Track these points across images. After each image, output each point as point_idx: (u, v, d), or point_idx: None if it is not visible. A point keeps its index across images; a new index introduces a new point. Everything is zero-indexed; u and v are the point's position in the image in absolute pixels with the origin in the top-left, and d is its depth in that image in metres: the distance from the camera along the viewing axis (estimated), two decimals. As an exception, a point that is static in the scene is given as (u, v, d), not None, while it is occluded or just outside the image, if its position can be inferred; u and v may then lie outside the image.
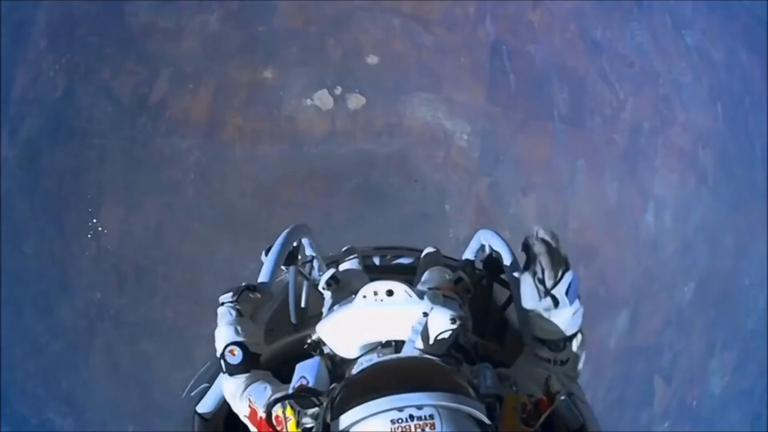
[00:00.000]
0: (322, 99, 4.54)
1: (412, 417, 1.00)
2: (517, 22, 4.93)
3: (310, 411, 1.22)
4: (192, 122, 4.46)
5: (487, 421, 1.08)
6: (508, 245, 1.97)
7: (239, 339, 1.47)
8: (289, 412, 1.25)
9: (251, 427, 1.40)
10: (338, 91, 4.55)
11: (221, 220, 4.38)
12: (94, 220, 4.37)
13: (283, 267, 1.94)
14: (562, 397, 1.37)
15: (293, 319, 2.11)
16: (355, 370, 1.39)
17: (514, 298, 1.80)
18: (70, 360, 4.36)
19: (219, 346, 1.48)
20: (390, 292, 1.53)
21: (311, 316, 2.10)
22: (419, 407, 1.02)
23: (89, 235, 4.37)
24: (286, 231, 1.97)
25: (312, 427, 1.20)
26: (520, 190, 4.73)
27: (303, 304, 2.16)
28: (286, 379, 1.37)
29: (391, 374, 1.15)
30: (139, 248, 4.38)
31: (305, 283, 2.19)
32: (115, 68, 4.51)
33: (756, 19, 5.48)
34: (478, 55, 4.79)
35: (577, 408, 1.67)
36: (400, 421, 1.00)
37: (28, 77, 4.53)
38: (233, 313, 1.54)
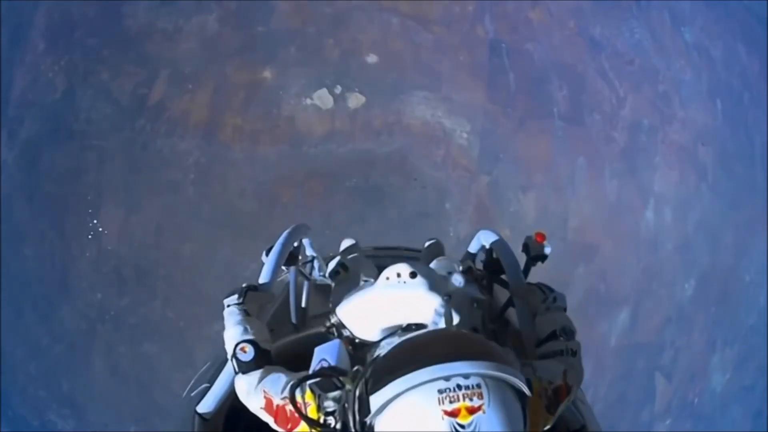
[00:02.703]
0: (322, 98, 4.53)
1: (459, 386, 0.98)
2: (516, 21, 4.93)
3: (332, 394, 1.17)
4: (191, 123, 4.45)
5: (528, 392, 1.06)
6: (508, 245, 1.97)
7: (249, 337, 1.45)
8: (309, 397, 1.21)
9: (266, 419, 1.35)
10: (338, 90, 4.55)
11: (221, 220, 4.38)
12: (94, 222, 4.37)
13: (283, 267, 1.94)
14: (574, 395, 1.35)
15: (294, 319, 2.10)
16: (377, 354, 1.36)
17: (524, 321, 1.79)
18: (71, 361, 4.35)
19: (229, 347, 1.46)
20: (413, 274, 1.52)
21: (311, 316, 2.10)
22: (466, 376, 0.99)
23: (89, 237, 4.36)
24: (286, 231, 1.97)
25: (334, 411, 1.16)
26: (520, 188, 4.72)
27: (303, 304, 2.16)
28: None
29: (433, 345, 1.11)
30: (139, 249, 4.38)
31: (306, 283, 2.19)
32: (113, 70, 4.50)
33: (754, 17, 5.48)
34: (477, 53, 4.79)
35: (577, 408, 1.68)
36: (447, 390, 0.97)
37: (27, 79, 4.53)
38: (240, 313, 1.53)
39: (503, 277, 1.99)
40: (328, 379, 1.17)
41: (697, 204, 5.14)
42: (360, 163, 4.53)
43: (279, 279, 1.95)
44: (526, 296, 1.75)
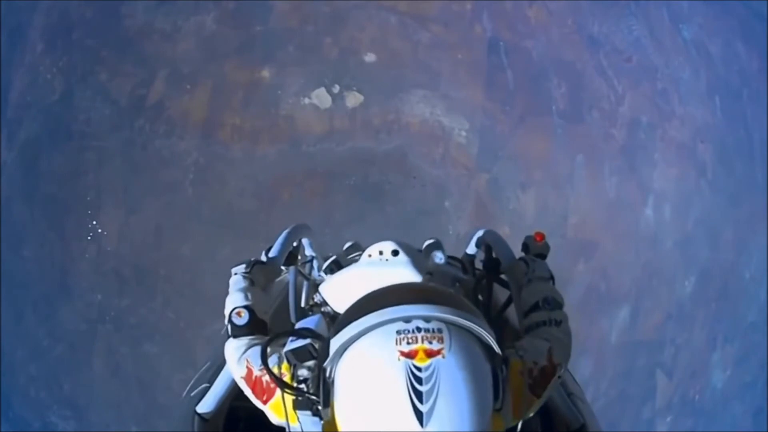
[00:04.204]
0: (320, 97, 4.53)
1: (419, 329, 0.93)
2: (514, 18, 4.92)
3: (307, 363, 1.14)
4: (190, 123, 4.45)
5: (497, 349, 1.00)
6: (507, 245, 1.97)
7: (247, 303, 1.45)
8: (285, 368, 1.19)
9: (245, 390, 1.34)
10: (336, 89, 4.55)
11: (221, 220, 4.38)
12: (94, 223, 4.37)
13: (283, 267, 1.95)
14: (562, 372, 1.32)
15: (293, 319, 2.11)
16: None
17: (514, 297, 1.80)
18: (72, 363, 4.36)
19: (227, 311, 1.46)
20: (395, 252, 1.53)
21: (311, 316, 2.09)
22: (427, 320, 0.95)
23: (89, 238, 4.36)
24: (286, 230, 1.98)
25: (307, 379, 1.13)
26: (519, 185, 4.72)
27: (303, 304, 2.16)
28: None
29: (396, 291, 1.08)
30: (139, 250, 4.38)
31: (305, 283, 2.19)
32: (112, 70, 4.50)
33: (753, 13, 5.48)
34: (476, 51, 4.78)
35: (577, 408, 1.67)
36: (406, 332, 0.93)
37: (26, 80, 4.52)
38: (245, 281, 1.54)
39: (503, 277, 1.99)
40: (303, 348, 1.13)
41: (697, 201, 5.14)
42: (359, 161, 4.53)
43: (279, 279, 1.96)
44: (513, 273, 1.72)
